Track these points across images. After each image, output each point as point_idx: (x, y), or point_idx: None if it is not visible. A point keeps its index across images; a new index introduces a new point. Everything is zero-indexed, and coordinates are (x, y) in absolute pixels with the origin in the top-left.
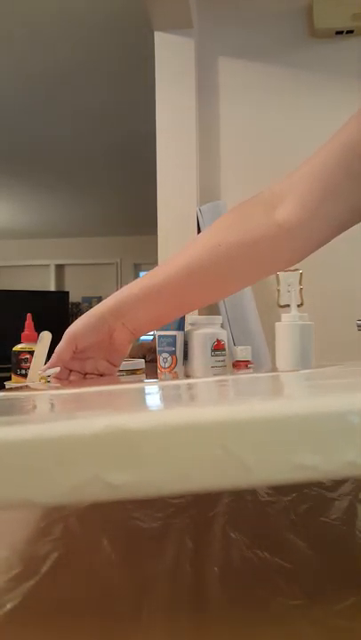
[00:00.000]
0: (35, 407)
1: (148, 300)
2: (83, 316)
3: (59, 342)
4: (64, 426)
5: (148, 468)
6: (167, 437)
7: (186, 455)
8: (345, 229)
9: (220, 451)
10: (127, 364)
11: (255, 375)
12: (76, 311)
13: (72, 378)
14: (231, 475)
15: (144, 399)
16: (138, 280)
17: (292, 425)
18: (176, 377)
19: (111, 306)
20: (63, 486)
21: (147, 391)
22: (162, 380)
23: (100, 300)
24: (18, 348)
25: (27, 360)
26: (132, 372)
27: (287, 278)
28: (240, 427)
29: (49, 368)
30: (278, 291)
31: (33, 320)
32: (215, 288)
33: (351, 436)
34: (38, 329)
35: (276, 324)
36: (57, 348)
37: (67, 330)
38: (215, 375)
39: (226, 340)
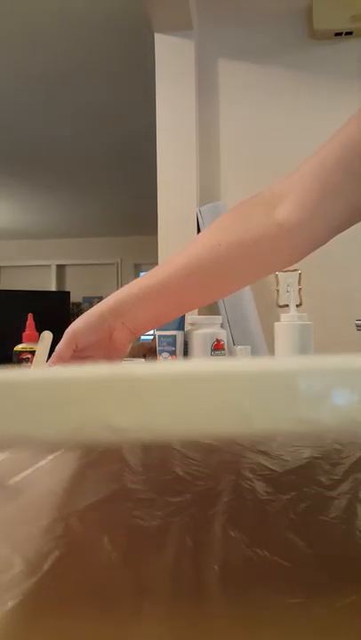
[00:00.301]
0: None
1: (148, 299)
2: (83, 315)
3: (59, 342)
4: (71, 370)
5: (151, 413)
6: (171, 384)
7: (188, 402)
8: (345, 229)
9: (221, 399)
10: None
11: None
12: (77, 311)
13: None
14: (231, 423)
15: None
16: (138, 280)
17: (293, 378)
18: None
19: (111, 305)
20: (67, 425)
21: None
22: None
23: (100, 299)
24: (19, 347)
25: (28, 360)
26: None
27: (286, 278)
28: (241, 378)
29: (49, 367)
30: (277, 291)
31: (34, 320)
32: (215, 287)
33: (352, 394)
34: (39, 329)
35: (276, 324)
36: (57, 347)
37: (67, 329)
38: None
39: (226, 340)
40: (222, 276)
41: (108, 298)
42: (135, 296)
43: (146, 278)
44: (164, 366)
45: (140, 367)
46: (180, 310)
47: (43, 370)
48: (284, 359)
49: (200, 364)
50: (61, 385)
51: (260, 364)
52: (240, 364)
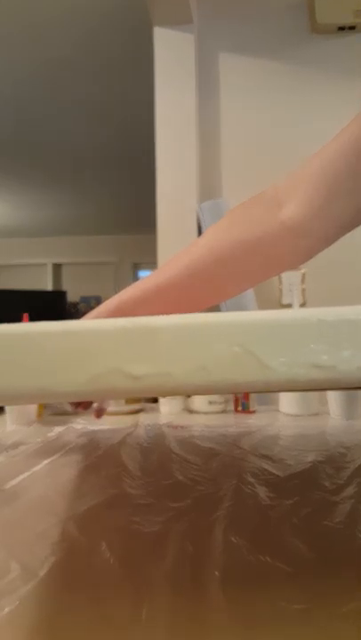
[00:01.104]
0: None
1: (152, 299)
2: (85, 316)
3: None
4: (87, 322)
5: (168, 362)
6: (187, 333)
7: (205, 351)
8: (351, 229)
9: (238, 348)
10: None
11: None
12: (74, 311)
13: None
14: (249, 370)
15: None
16: (140, 281)
17: (307, 327)
18: None
19: (113, 309)
20: (83, 376)
21: None
22: None
23: (98, 299)
24: None
25: None
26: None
27: (289, 277)
28: (256, 327)
29: None
30: (280, 290)
31: (30, 320)
32: (219, 288)
33: None
34: None
35: None
36: None
37: None
38: None
39: None
40: (226, 277)
41: (111, 299)
42: (138, 298)
43: (149, 278)
44: (181, 317)
45: (156, 318)
46: (183, 311)
47: (60, 323)
48: (300, 310)
49: (216, 314)
50: (75, 336)
51: (276, 313)
52: (256, 314)
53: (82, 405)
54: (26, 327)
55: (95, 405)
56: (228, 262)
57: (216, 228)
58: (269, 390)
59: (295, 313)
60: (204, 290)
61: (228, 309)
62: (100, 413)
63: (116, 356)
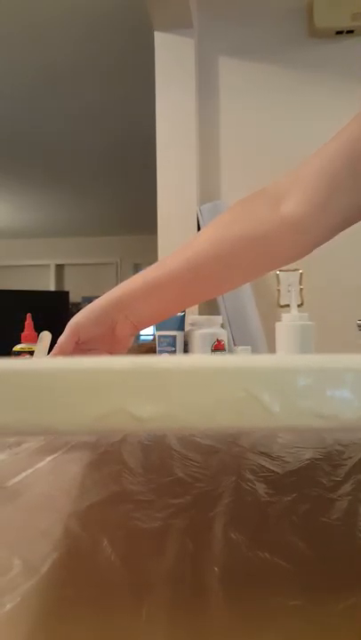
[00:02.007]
0: None
1: (152, 293)
2: (85, 307)
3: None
4: (93, 361)
5: (174, 404)
6: (193, 376)
7: (211, 394)
8: (349, 225)
9: (243, 393)
10: None
11: None
12: (76, 311)
13: None
14: (253, 415)
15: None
16: (141, 273)
17: (311, 373)
18: None
19: (114, 298)
20: (88, 416)
21: None
22: None
23: None
24: (18, 348)
25: None
26: None
27: (287, 278)
28: (261, 372)
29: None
30: (278, 290)
31: (33, 320)
32: (219, 281)
33: None
34: (38, 329)
35: (277, 324)
36: (59, 340)
37: (69, 321)
38: None
39: (226, 341)
40: (227, 270)
41: (112, 291)
42: (139, 289)
43: (150, 271)
44: (188, 359)
45: (163, 360)
46: (183, 304)
47: (66, 359)
48: (307, 356)
49: (223, 358)
50: (80, 376)
51: (282, 359)
52: (262, 358)
53: None
54: (33, 364)
55: None
56: (229, 257)
57: (217, 224)
58: (272, 431)
59: (301, 359)
60: (205, 283)
61: (227, 310)
62: None
63: (122, 397)
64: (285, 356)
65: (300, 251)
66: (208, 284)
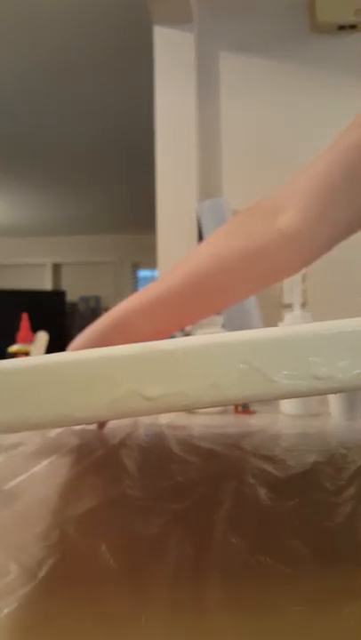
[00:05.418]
0: None
1: (152, 312)
2: (85, 331)
3: (55, 342)
4: (103, 350)
5: (181, 382)
6: (197, 354)
7: (215, 369)
8: (349, 235)
9: (244, 365)
10: None
11: None
12: (73, 310)
13: None
14: (255, 385)
15: None
16: (140, 292)
17: (306, 341)
18: None
19: (113, 321)
20: (102, 401)
21: None
22: None
23: (97, 299)
24: (13, 349)
25: None
26: None
27: (290, 277)
28: (258, 344)
29: None
30: (281, 289)
31: (29, 320)
32: (219, 298)
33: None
34: (34, 329)
35: (279, 324)
36: None
37: (68, 346)
38: None
39: None
40: (227, 287)
41: (109, 313)
42: (139, 308)
43: (149, 290)
44: (191, 339)
45: (168, 342)
46: (184, 321)
47: (79, 353)
48: (301, 327)
49: (221, 335)
50: (92, 364)
51: (281, 331)
52: (258, 332)
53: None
54: (48, 359)
55: None
56: (229, 272)
57: (215, 238)
58: (276, 399)
59: (293, 329)
60: (206, 299)
61: (227, 310)
62: (102, 425)
63: (133, 380)
64: (278, 328)
65: (299, 264)
66: (209, 300)
